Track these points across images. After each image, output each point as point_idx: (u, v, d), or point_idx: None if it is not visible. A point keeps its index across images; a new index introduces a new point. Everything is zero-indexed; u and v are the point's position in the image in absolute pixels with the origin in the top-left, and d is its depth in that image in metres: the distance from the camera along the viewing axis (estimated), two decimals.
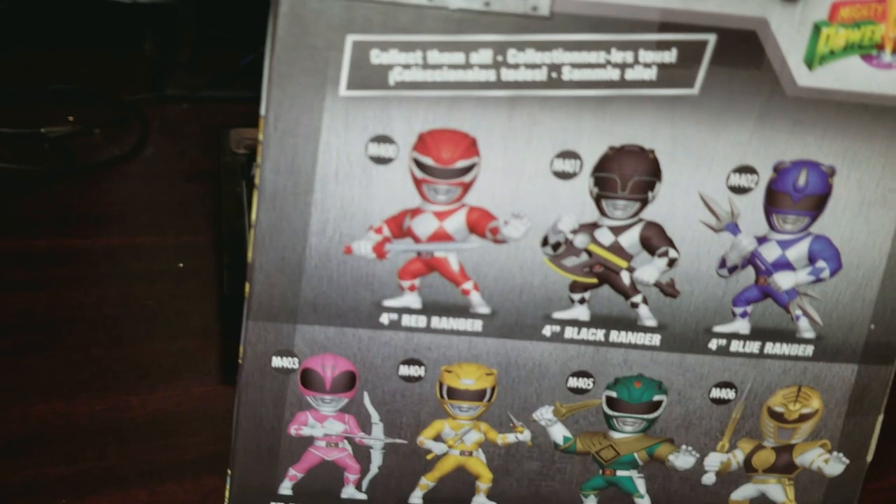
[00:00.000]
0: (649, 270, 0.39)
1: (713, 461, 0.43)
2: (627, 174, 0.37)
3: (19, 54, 0.94)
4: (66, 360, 0.57)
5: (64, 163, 0.77)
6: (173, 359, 0.58)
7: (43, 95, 0.88)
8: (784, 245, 0.39)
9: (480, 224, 0.38)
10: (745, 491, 0.44)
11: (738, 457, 0.43)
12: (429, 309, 0.39)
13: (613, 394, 0.41)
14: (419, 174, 0.37)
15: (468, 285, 0.39)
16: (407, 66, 0.35)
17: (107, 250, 0.70)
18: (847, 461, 0.44)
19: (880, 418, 0.43)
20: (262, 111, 0.36)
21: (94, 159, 0.79)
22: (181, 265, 0.67)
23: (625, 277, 0.39)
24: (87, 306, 0.62)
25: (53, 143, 0.81)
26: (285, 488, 0.43)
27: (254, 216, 0.37)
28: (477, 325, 0.40)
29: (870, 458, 0.44)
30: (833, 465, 0.44)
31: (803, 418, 0.43)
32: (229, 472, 0.43)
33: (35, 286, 0.63)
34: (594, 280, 0.39)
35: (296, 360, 0.40)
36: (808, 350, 0.41)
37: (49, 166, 0.77)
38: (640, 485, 0.43)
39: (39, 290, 0.63)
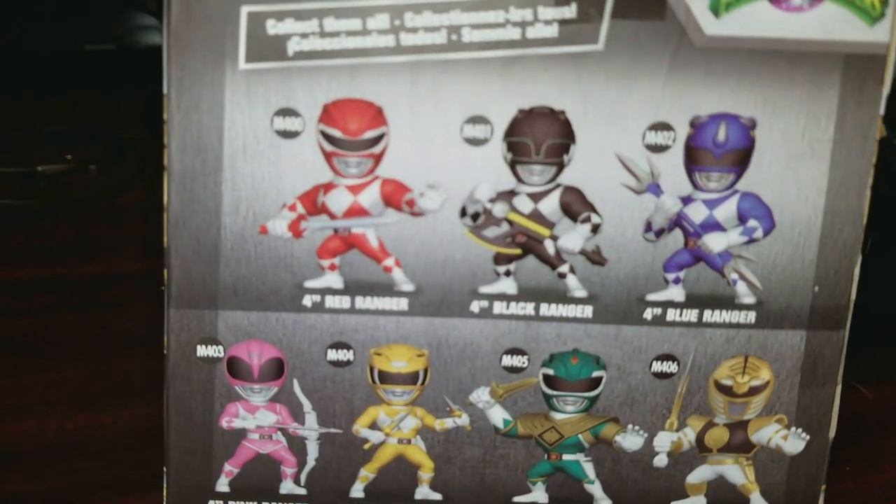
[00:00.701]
0: (573, 238, 0.37)
1: (663, 441, 0.41)
2: (540, 138, 0.36)
3: (23, 98, 0.96)
4: (42, 381, 0.57)
5: (59, 198, 0.78)
6: (149, 378, 0.57)
7: (42, 137, 0.89)
8: (710, 205, 0.37)
9: (395, 196, 0.37)
10: (702, 473, 0.41)
11: (689, 435, 0.41)
12: (351, 288, 0.38)
13: (550, 371, 0.39)
14: (328, 147, 0.36)
15: (389, 262, 0.38)
16: (304, 36, 0.34)
17: (91, 278, 0.69)
18: (807, 437, 0.41)
19: (838, 389, 0.40)
20: (165, 89, 0.35)
21: (89, 194, 0.80)
22: (163, 289, 0.67)
23: (549, 246, 0.38)
24: (66, 330, 0.62)
25: (49, 180, 0.82)
26: (222, 485, 0.41)
27: (165, 199, 0.37)
28: (402, 303, 0.38)
29: (832, 434, 0.41)
30: (792, 441, 0.41)
31: (753, 391, 0.40)
32: (165, 469, 0.41)
33: (16, 313, 0.63)
34: (518, 251, 0.38)
35: (221, 348, 0.39)
36: (750, 317, 0.39)
37: (44, 202, 0.78)
38: (589, 469, 0.41)
39: (21, 317, 0.63)
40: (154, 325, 0.63)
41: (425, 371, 0.39)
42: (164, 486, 0.42)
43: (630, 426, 0.40)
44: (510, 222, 0.38)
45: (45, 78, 0.99)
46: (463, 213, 0.37)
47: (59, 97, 0.97)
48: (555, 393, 0.40)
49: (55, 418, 0.53)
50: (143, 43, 1.01)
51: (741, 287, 0.38)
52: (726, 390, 0.40)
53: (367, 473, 0.41)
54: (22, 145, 0.88)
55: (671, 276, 0.38)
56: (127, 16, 1.01)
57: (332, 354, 0.39)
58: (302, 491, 0.41)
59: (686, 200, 0.37)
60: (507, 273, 0.38)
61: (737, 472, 0.42)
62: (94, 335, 0.61)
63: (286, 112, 0.35)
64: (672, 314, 0.39)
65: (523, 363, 0.39)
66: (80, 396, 0.55)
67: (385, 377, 0.39)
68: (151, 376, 0.57)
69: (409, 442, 0.41)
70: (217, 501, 0.41)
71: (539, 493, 0.42)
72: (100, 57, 1.01)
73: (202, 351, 0.39)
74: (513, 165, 0.37)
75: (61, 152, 0.86)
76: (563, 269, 0.38)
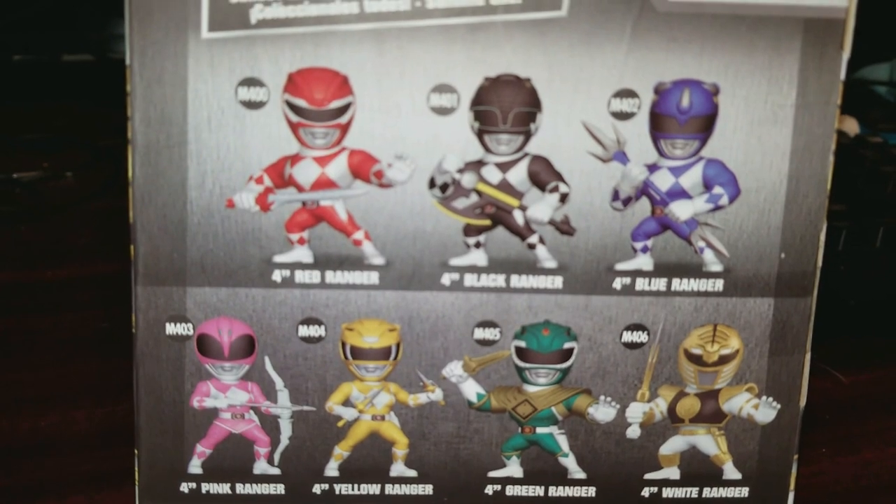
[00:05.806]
0: (542, 208, 0.36)
1: (635, 412, 0.39)
2: (507, 106, 0.35)
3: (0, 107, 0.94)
4: (15, 380, 0.54)
5: (34, 204, 0.76)
6: (124, 375, 0.55)
7: (19, 145, 0.88)
8: (676, 172, 0.36)
9: (363, 168, 0.36)
10: (674, 444, 0.40)
11: (661, 405, 0.40)
12: (321, 263, 0.37)
13: (522, 343, 0.38)
14: (294, 118, 0.35)
15: (359, 235, 0.36)
16: (267, 3, 0.33)
17: (67, 281, 0.67)
18: (778, 406, 0.40)
19: (808, 357, 0.39)
20: (127, 60, 0.34)
21: (65, 200, 0.78)
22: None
23: (518, 217, 0.37)
24: (41, 331, 0.60)
25: (25, 187, 0.80)
26: (195, 466, 0.39)
27: (130, 173, 0.35)
28: (373, 277, 0.37)
29: (803, 402, 0.40)
30: (764, 410, 0.40)
31: (724, 360, 0.39)
32: (136, 452, 0.40)
33: None
34: (487, 222, 0.37)
35: (190, 325, 0.37)
36: (718, 285, 0.38)
37: (20, 207, 0.76)
38: (563, 442, 0.40)
39: None
40: (128, 325, 0.62)
41: (398, 346, 0.38)
42: (136, 469, 0.40)
43: (602, 397, 0.39)
44: (479, 193, 0.36)
45: (23, 87, 0.97)
46: (431, 184, 0.36)
47: (36, 106, 0.96)
48: (527, 365, 0.39)
49: (28, 416, 0.51)
50: (120, 53, 1.00)
51: (708, 255, 0.37)
52: (696, 359, 0.39)
53: (341, 451, 0.40)
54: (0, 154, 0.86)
55: (639, 245, 0.37)
56: (105, 26, 1.00)
57: (304, 330, 0.38)
58: (276, 471, 0.40)
59: (652, 168, 0.36)
60: (478, 245, 0.37)
61: (709, 442, 0.40)
62: (68, 335, 0.59)
63: (250, 82, 0.34)
64: (641, 283, 0.37)
65: (495, 336, 0.38)
66: (54, 394, 0.53)
67: (357, 353, 0.38)
68: (126, 374, 0.56)
69: (382, 418, 0.39)
70: (190, 483, 0.40)
71: (514, 468, 0.40)
72: (77, 67, 1.00)
73: (171, 329, 0.37)
74: (480, 135, 0.36)
75: (38, 160, 0.84)
76: (533, 239, 0.37)
